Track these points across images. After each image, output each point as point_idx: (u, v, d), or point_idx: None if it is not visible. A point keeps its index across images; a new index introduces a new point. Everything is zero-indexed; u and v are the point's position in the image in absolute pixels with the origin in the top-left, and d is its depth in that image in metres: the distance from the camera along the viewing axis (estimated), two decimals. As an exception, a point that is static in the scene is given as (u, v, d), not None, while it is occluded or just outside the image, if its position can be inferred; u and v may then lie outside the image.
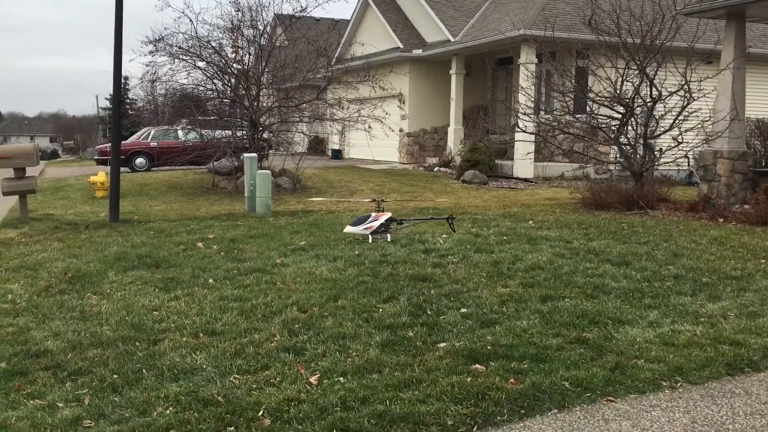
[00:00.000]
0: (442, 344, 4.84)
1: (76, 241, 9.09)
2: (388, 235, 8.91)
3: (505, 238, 8.94)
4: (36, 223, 10.96)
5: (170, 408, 3.85)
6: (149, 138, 23.05)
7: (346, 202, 13.70)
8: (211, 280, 6.75)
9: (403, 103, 23.91)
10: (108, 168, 14.80)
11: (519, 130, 15.39)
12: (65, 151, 69.93)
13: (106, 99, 58.81)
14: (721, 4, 11.33)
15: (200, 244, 8.74)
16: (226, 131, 16.93)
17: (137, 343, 4.95)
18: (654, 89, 12.56)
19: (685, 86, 12.26)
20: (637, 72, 12.68)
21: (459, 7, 23.65)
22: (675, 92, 12.52)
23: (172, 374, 4.36)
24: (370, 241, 8.72)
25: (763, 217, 10.12)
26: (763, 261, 7.52)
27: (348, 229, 9.10)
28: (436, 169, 21.26)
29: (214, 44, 16.30)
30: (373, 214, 9.20)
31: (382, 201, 9.96)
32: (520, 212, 11.67)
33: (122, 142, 16.29)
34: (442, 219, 9.86)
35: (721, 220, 10.56)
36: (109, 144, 17.58)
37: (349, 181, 17.34)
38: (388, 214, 9.30)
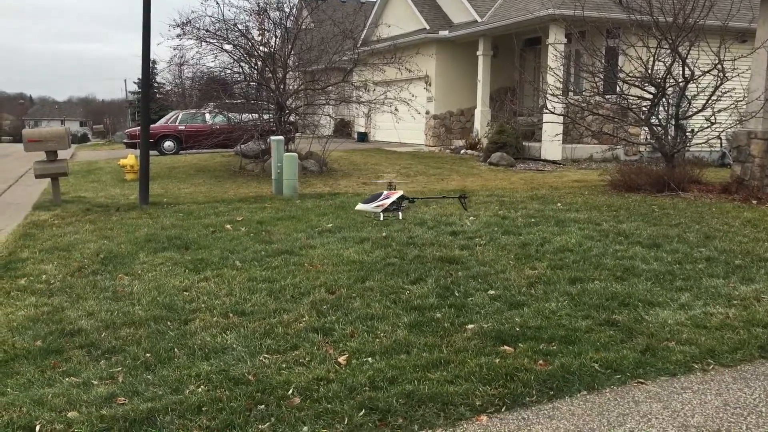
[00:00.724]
0: (470, 326, 4.83)
1: (107, 223, 9.23)
2: (400, 213, 8.90)
3: (532, 220, 8.87)
4: (68, 205, 11.13)
5: (201, 386, 3.91)
6: (177, 121, 23.21)
7: (372, 185, 13.70)
8: (239, 262, 6.81)
9: (430, 85, 23.77)
10: (137, 151, 14.96)
11: (547, 111, 15.20)
12: (95, 135, 70.81)
13: (135, 83, 59.38)
14: (757, -20, 11.04)
15: (228, 226, 8.81)
16: (253, 114, 16.99)
17: (168, 323, 5.02)
18: (686, 69, 12.32)
19: (719, 65, 11.99)
20: (669, 51, 12.43)
21: (486, -13, 23.36)
22: (708, 72, 12.25)
23: (203, 353, 4.42)
24: (381, 218, 8.72)
25: (798, 198, 9.91)
26: (798, 243, 7.37)
27: (360, 206, 9.11)
28: (462, 151, 21.13)
29: (240, 27, 16.32)
30: (385, 192, 9.19)
31: (394, 183, 9.94)
32: (548, 194, 11.57)
33: (151, 125, 16.41)
34: (455, 198, 9.81)
35: (754, 201, 10.37)
36: (138, 128, 17.74)
37: (376, 164, 17.33)
38: (399, 192, 9.28)
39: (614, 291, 5.59)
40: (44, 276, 6.43)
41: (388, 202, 8.93)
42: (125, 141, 25.14)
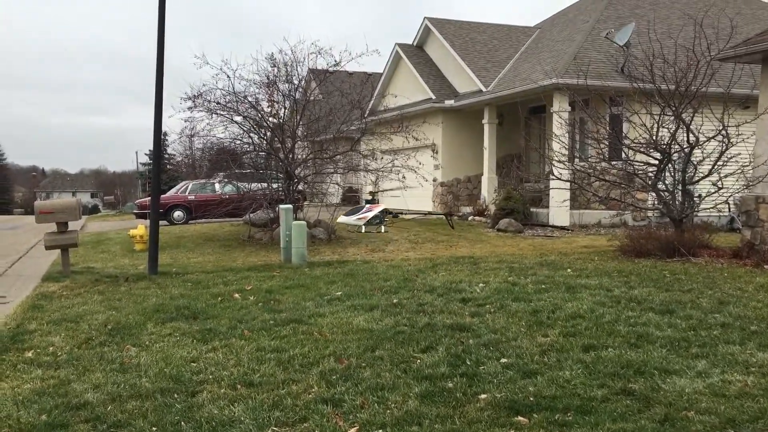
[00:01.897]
0: (483, 395, 4.73)
1: (116, 294, 9.21)
2: (383, 227, 8.84)
3: (543, 286, 8.80)
4: (77, 276, 11.14)
5: (209, 461, 3.81)
6: (187, 191, 23.46)
7: (381, 252, 13.68)
8: (247, 331, 6.74)
9: (437, 152, 24.05)
10: (147, 221, 15.06)
11: (554, 177, 15.31)
12: (106, 206, 71.56)
13: (146, 155, 60.41)
14: (758, 48, 11.26)
15: (237, 295, 8.78)
16: (262, 183, 17.16)
17: (176, 395, 4.93)
18: (691, 135, 12.44)
19: (723, 131, 12.11)
20: (672, 118, 12.59)
21: (490, 58, 23.94)
22: (713, 137, 12.37)
23: (210, 426, 4.32)
24: (363, 231, 8.67)
25: (810, 262, 9.83)
26: (813, 308, 7.26)
27: (341, 219, 9.06)
28: (470, 218, 21.19)
29: (250, 99, 16.68)
30: (368, 206, 9.16)
31: (376, 194, 9.96)
32: (557, 260, 11.52)
33: (161, 196, 16.60)
34: (441, 215, 9.80)
35: (766, 266, 10.27)
36: (148, 198, 17.91)
37: (383, 232, 17.34)
38: (382, 206, 9.26)
39: (629, 359, 5.48)
40: (51, 348, 6.37)
41: (370, 215, 8.91)
42: (135, 211, 25.36)
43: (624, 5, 22.95)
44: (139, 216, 23.13)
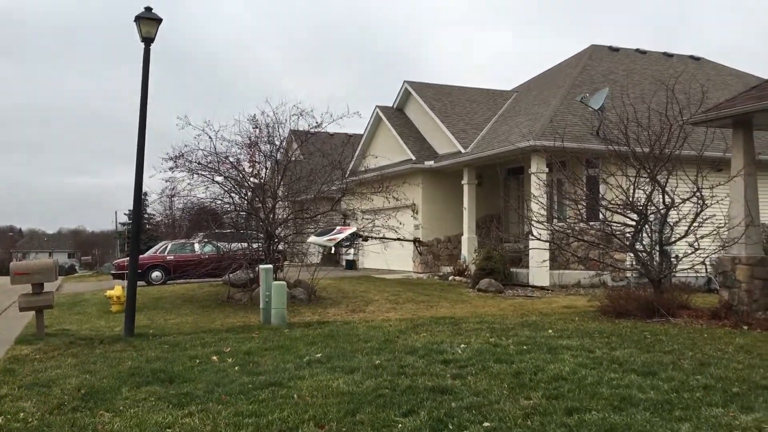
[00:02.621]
0: (466, 461, 4.63)
1: (90, 357, 9.00)
2: (352, 250, 8.85)
3: (524, 347, 8.75)
4: (51, 338, 10.89)
5: None
6: (166, 252, 23.29)
7: (361, 312, 13.58)
8: (225, 395, 6.60)
9: (417, 212, 24.19)
10: (124, 282, 14.87)
11: (533, 237, 15.43)
12: (83, 266, 70.60)
13: (125, 214, 60.03)
14: (728, 113, 11.60)
15: (215, 357, 8.62)
16: (242, 243, 17.10)
17: (150, 463, 4.78)
18: (666, 196, 12.66)
19: (698, 193, 12.34)
20: (648, 180, 12.83)
21: (469, 121, 24.40)
22: (688, 199, 12.59)
23: (185, 496, 4.17)
24: (332, 251, 8.67)
25: (788, 323, 9.90)
26: (793, 369, 7.28)
27: (312, 239, 9.00)
28: (450, 278, 21.18)
29: (232, 159, 16.80)
30: (338, 227, 9.12)
31: (347, 217, 9.97)
32: (538, 321, 11.50)
33: (139, 256, 16.45)
34: (409, 241, 9.79)
35: (745, 327, 10.33)
36: (126, 258, 17.71)
37: (364, 291, 17.26)
38: (353, 228, 9.23)
39: (613, 422, 5.42)
40: (22, 414, 6.17)
41: (341, 237, 8.88)
42: (113, 272, 25.07)
43: (597, 71, 23.64)
44: (117, 276, 22.86)
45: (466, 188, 22.42)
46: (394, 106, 27.74)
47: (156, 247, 24.62)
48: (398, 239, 10.30)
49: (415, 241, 9.29)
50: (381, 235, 10.35)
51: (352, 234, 9.01)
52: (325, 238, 8.89)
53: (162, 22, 11.52)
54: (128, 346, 9.81)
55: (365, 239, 9.35)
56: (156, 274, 22.83)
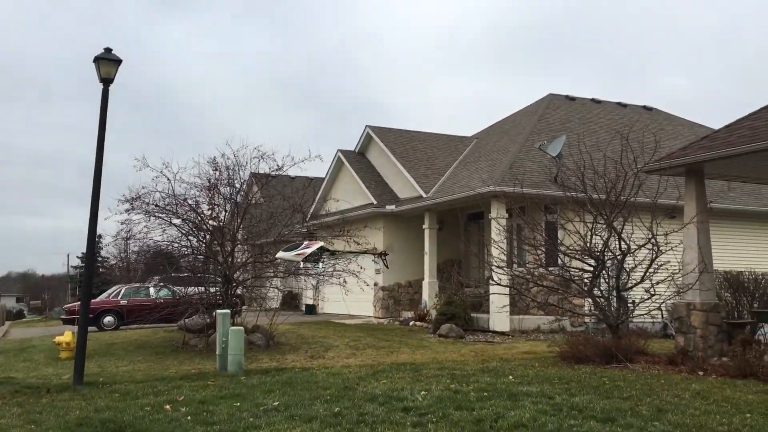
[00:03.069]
0: None
1: (36, 406, 8.62)
2: (320, 264, 8.78)
3: (485, 394, 8.68)
4: (-5, 386, 10.42)
5: None
6: (119, 296, 22.75)
7: (321, 359, 13.36)
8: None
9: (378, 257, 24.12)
10: (75, 327, 14.41)
11: (493, 282, 15.47)
12: (31, 311, 68.41)
13: (78, 257, 58.53)
14: (681, 162, 11.93)
15: (168, 406, 8.33)
16: (199, 287, 16.77)
17: None
18: (622, 243, 12.86)
19: (652, 240, 12.57)
20: (604, 226, 13.04)
21: (430, 166, 24.64)
22: (643, 245, 12.81)
23: None
24: (301, 266, 8.60)
25: (741, 369, 10.04)
26: (748, 415, 7.36)
27: (280, 254, 8.93)
28: (411, 323, 21.06)
29: (190, 202, 16.56)
30: (306, 242, 9.06)
31: (313, 232, 9.93)
32: (499, 367, 11.45)
33: (91, 300, 16.00)
34: (377, 254, 9.73)
35: (701, 373, 10.44)
36: (77, 303, 17.20)
37: (324, 337, 17.03)
38: (320, 243, 9.18)
39: (573, 471, 5.36)
40: (-42, 468, 5.84)
41: (309, 251, 8.82)
42: (63, 317, 24.35)
43: (554, 119, 24.21)
44: (67, 322, 22.20)
45: (427, 233, 22.50)
46: (356, 150, 27.90)
47: (109, 291, 24.02)
48: (365, 252, 10.27)
49: (381, 254, 9.32)
50: (348, 250, 10.30)
51: (320, 248, 8.99)
52: (294, 252, 8.86)
53: (122, 63, 11.45)
54: (77, 394, 9.44)
55: (332, 253, 9.31)
56: (108, 319, 22.23)
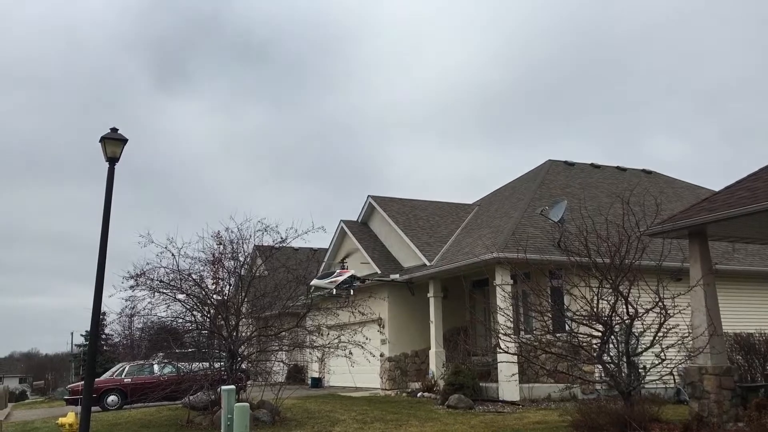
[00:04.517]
0: None
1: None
2: (351, 290, 8.79)
3: (497, 469, 8.45)
4: (-5, 472, 10.19)
5: None
6: (123, 374, 22.48)
7: (327, 435, 13.08)
8: None
9: (383, 327, 23.91)
10: (79, 408, 14.17)
11: (501, 351, 15.26)
12: (34, 392, 67.46)
13: (82, 335, 58.02)
14: (683, 224, 11.96)
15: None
16: (204, 363, 16.58)
17: None
18: (630, 307, 12.75)
19: (660, 303, 12.47)
20: (611, 290, 12.95)
21: (432, 234, 24.71)
22: (650, 309, 12.68)
23: None
24: (334, 293, 8.62)
25: (760, 434, 9.80)
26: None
27: (315, 281, 8.95)
28: (419, 394, 20.69)
29: (195, 276, 16.55)
30: (338, 270, 9.08)
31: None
32: (510, 439, 11.17)
33: (95, 379, 15.80)
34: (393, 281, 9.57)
35: (718, 439, 10.18)
36: (81, 383, 17.00)
37: (330, 411, 16.71)
38: (352, 271, 9.21)
39: None
40: None
41: (341, 279, 8.94)
42: (66, 397, 23.96)
43: (555, 185, 24.41)
44: (71, 402, 21.83)
45: (432, 301, 22.35)
46: (359, 220, 28.04)
47: (113, 369, 23.74)
48: (381, 280, 10.34)
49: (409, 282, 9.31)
50: (372, 278, 10.31)
51: (351, 276, 9.11)
52: (328, 280, 8.97)
53: (127, 142, 11.68)
54: (79, 479, 9.21)
55: (362, 281, 9.39)
56: (112, 398, 21.89)
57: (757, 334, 14.83)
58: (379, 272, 24.12)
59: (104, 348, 38.42)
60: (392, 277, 23.73)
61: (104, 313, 18.94)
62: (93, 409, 11.90)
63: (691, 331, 12.22)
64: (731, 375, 11.71)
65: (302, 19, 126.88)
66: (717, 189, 13.78)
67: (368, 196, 27.37)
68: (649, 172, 28.02)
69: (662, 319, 12.46)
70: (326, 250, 28.47)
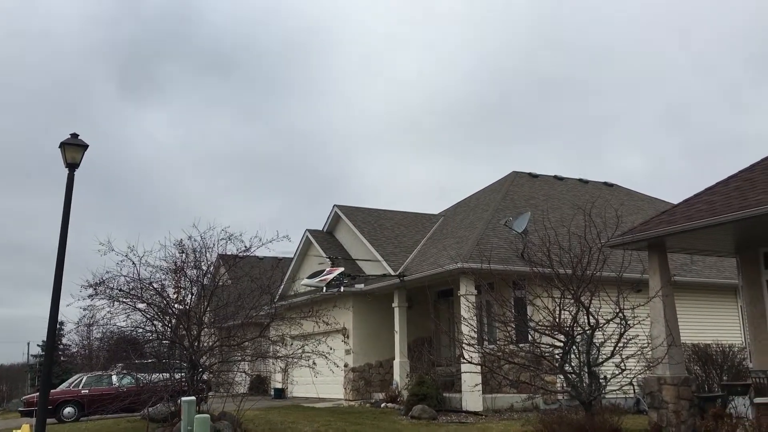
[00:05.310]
0: None
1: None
2: (342, 288, 8.77)
3: (459, 479, 8.44)
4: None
5: None
6: (80, 385, 21.98)
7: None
8: None
9: (348, 337, 23.81)
10: (34, 420, 13.81)
11: (464, 361, 15.30)
12: (-12, 402, 65.51)
13: (38, 345, 56.61)
14: (643, 236, 12.17)
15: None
16: (164, 374, 16.28)
17: None
18: (591, 317, 12.90)
19: (620, 314, 12.64)
20: (572, 301, 13.09)
21: (398, 244, 24.72)
22: (611, 320, 12.84)
23: None
24: (324, 291, 8.59)
25: (716, 443, 9.98)
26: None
27: (305, 281, 8.92)
28: (383, 404, 20.62)
29: (156, 285, 16.26)
30: (327, 269, 9.09)
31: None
32: (472, 449, 11.19)
33: (51, 390, 15.41)
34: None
35: (676, 448, 10.33)
36: (37, 394, 16.58)
37: (293, 422, 16.55)
38: (341, 269, 9.20)
39: None
40: None
41: (330, 277, 8.93)
42: (21, 409, 23.37)
43: (519, 196, 24.66)
44: (26, 414, 21.30)
45: (396, 311, 22.33)
46: (325, 230, 27.92)
47: (70, 380, 23.21)
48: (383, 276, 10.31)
49: (400, 276, 9.30)
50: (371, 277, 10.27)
51: (340, 274, 9.11)
52: (317, 279, 8.94)
53: (88, 148, 11.47)
54: (31, 493, 8.96)
55: (353, 278, 9.41)
56: (68, 410, 21.37)
57: (714, 345, 15.14)
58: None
59: (61, 358, 37.57)
60: (357, 287, 23.66)
61: (62, 323, 18.57)
62: (49, 421, 11.60)
63: (650, 341, 12.42)
64: (689, 385, 11.92)
65: (272, 29, 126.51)
66: (676, 202, 14.05)
67: (334, 205, 27.29)
68: (611, 185, 28.50)
69: (622, 329, 12.63)
70: (291, 259, 28.28)
